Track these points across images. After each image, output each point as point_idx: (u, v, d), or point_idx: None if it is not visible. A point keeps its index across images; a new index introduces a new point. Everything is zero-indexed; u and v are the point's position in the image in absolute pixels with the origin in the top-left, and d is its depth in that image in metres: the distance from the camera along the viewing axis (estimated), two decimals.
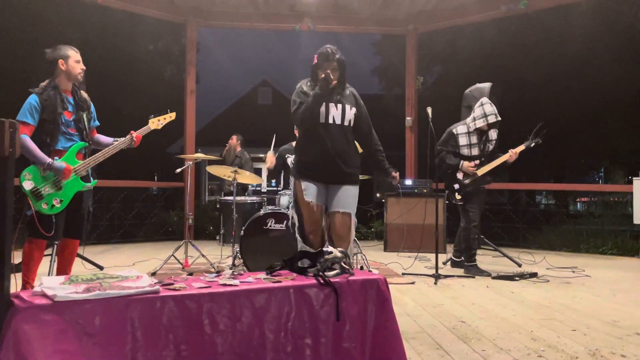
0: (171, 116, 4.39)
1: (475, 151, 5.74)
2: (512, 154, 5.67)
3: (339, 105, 3.63)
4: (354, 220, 3.69)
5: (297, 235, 3.73)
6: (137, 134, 4.02)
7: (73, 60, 3.86)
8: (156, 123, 4.29)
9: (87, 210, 4.01)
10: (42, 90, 3.78)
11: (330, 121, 3.61)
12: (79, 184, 3.82)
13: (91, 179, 3.96)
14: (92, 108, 4.10)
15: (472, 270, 5.68)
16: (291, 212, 3.84)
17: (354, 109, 3.68)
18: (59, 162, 3.66)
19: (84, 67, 3.94)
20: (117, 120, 4.45)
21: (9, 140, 1.71)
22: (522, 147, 5.70)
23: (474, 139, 5.73)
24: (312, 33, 9.51)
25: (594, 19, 11.62)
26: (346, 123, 3.65)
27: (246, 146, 8.78)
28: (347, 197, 3.64)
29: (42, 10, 11.48)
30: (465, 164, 5.69)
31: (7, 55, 11.21)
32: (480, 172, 5.69)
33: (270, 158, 5.59)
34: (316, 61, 3.65)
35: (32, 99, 3.72)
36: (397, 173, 3.92)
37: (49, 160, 3.62)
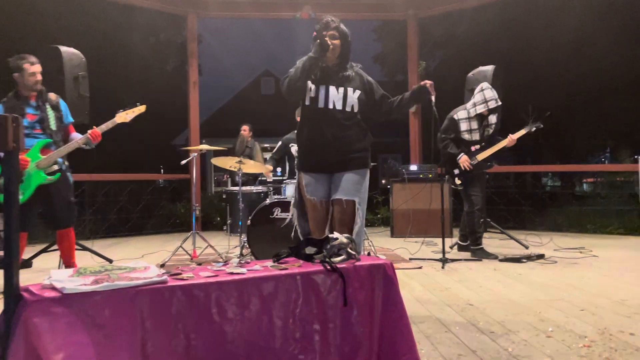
0: (140, 109, 4.65)
1: (475, 136, 5.75)
2: (510, 140, 5.70)
3: (341, 89, 3.25)
4: (359, 207, 3.25)
5: (298, 233, 3.50)
6: (92, 131, 4.31)
7: (27, 74, 4.22)
8: (123, 117, 4.53)
9: (66, 200, 4.35)
10: (7, 99, 4.23)
11: (330, 106, 3.24)
12: (41, 177, 4.15)
13: (66, 173, 4.33)
14: (63, 106, 4.46)
15: (479, 254, 5.69)
16: (292, 210, 3.53)
17: (357, 92, 3.28)
18: None
19: (40, 78, 4.28)
20: None
21: (12, 134, 1.72)
22: (522, 132, 5.71)
23: (475, 125, 5.74)
24: (312, 21, 9.46)
25: (593, 0, 11.53)
26: (348, 109, 3.26)
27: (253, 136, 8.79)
28: (351, 183, 3.26)
29: (42, 5, 11.47)
30: (463, 158, 5.67)
31: (8, 52, 11.20)
32: (480, 157, 5.70)
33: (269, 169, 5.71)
34: (315, 33, 3.28)
35: None
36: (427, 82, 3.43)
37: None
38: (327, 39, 3.17)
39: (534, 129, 5.70)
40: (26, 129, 4.15)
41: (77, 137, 4.41)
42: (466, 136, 5.75)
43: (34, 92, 4.27)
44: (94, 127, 4.35)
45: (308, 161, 3.38)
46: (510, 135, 5.70)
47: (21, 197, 4.06)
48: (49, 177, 4.18)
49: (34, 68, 4.23)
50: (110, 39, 13.31)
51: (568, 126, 15.80)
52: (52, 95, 4.41)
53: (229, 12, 9.69)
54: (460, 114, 5.79)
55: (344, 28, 3.29)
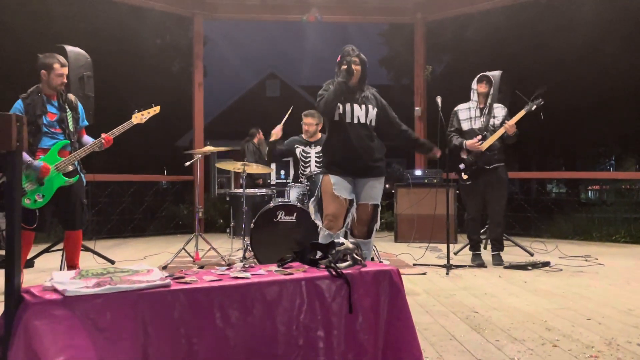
0: (155, 110, 4.73)
1: (476, 124, 5.62)
2: (507, 126, 5.42)
3: (363, 106, 3.90)
4: (379, 211, 4.05)
5: (320, 224, 3.93)
6: (106, 136, 4.35)
7: (55, 74, 4.22)
8: (139, 118, 4.59)
9: (80, 202, 4.38)
10: (27, 95, 4.21)
11: (355, 120, 3.87)
12: (61, 180, 4.19)
13: (80, 174, 4.36)
14: (81, 109, 4.50)
15: (473, 259, 5.66)
16: (312, 207, 4.00)
17: (375, 109, 3.95)
18: (37, 162, 4.05)
19: (65, 81, 4.31)
20: (125, 115, 4.51)
21: (15, 134, 1.69)
22: (522, 113, 5.44)
23: (474, 113, 5.65)
24: (319, 24, 9.45)
25: (604, 4, 11.47)
26: (368, 122, 3.91)
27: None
28: (375, 189, 3.96)
29: (51, 6, 11.50)
30: (468, 142, 5.54)
31: (17, 51, 11.25)
32: (483, 146, 5.51)
33: (278, 131, 5.55)
34: (339, 59, 3.90)
35: (17, 104, 4.16)
36: (437, 150, 4.22)
37: (28, 160, 4.01)
38: (352, 65, 3.80)
39: (534, 107, 5.45)
40: (45, 127, 4.19)
41: (89, 141, 4.44)
42: (466, 125, 5.65)
43: (56, 91, 4.30)
44: (103, 134, 4.37)
45: (337, 166, 3.90)
46: (506, 122, 5.47)
47: (42, 200, 4.13)
48: (69, 179, 4.23)
49: (62, 70, 4.25)
50: (117, 39, 13.33)
51: (574, 132, 15.75)
52: (71, 97, 4.46)
53: (235, 14, 9.68)
54: (460, 105, 5.78)
55: (364, 58, 3.95)
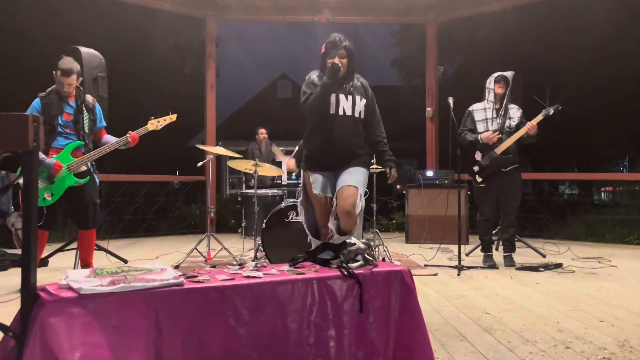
0: (172, 118, 4.78)
1: (492, 126, 5.56)
2: (530, 126, 5.34)
3: (350, 97, 3.57)
4: (360, 195, 3.45)
5: (305, 228, 3.73)
6: (133, 133, 4.42)
7: (56, 78, 4.27)
8: (155, 124, 4.62)
9: (92, 202, 4.43)
10: (46, 95, 4.28)
11: (341, 112, 3.55)
12: (71, 180, 4.24)
13: (92, 175, 4.40)
14: (98, 110, 4.55)
15: (484, 260, 5.64)
16: (299, 207, 3.79)
17: (364, 100, 3.62)
18: (49, 159, 4.11)
19: (66, 89, 4.30)
20: (138, 116, 4.55)
21: (32, 134, 1.72)
22: (540, 117, 5.39)
23: (490, 114, 5.58)
24: (331, 25, 9.45)
25: (617, 5, 11.38)
26: (356, 114, 3.59)
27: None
28: (353, 173, 3.51)
29: (64, 7, 11.60)
30: (484, 135, 5.48)
31: (31, 53, 11.35)
32: (500, 149, 5.47)
33: (292, 166, 5.63)
34: (324, 50, 3.60)
35: (35, 102, 4.23)
36: (395, 172, 3.74)
37: (41, 157, 4.02)
38: (337, 61, 3.50)
39: (552, 111, 5.40)
40: (60, 127, 4.25)
41: (110, 140, 4.49)
42: (481, 127, 5.59)
43: (76, 89, 4.35)
44: (130, 132, 4.45)
45: (316, 162, 3.62)
46: (528, 122, 5.38)
47: (51, 199, 4.18)
48: (79, 180, 4.28)
49: (62, 78, 4.26)
50: (129, 40, 13.42)
51: (587, 133, 15.62)
52: (89, 98, 4.51)
53: (247, 15, 9.72)
54: (475, 105, 5.71)
55: (350, 45, 3.59)
